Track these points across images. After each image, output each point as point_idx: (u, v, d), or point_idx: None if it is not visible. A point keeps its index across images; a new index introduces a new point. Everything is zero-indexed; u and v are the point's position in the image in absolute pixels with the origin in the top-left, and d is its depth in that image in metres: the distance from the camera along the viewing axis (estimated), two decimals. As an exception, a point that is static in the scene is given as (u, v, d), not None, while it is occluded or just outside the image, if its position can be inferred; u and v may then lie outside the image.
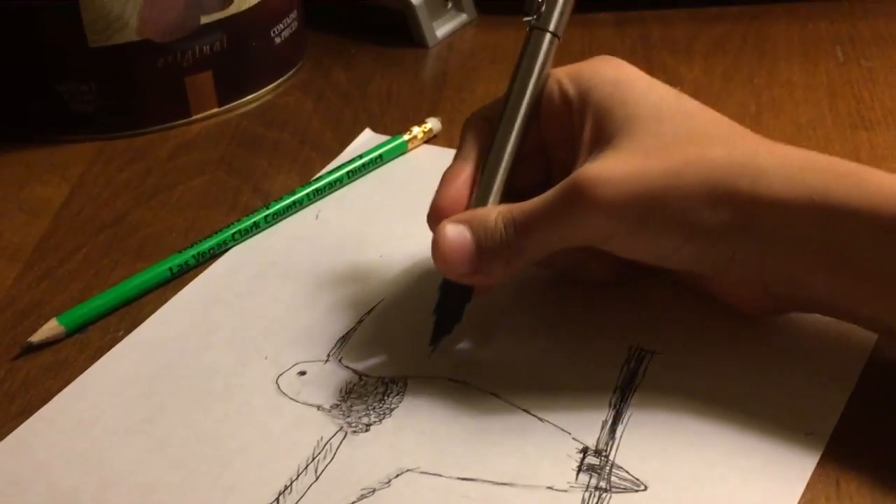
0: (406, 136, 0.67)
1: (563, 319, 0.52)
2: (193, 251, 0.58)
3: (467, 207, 0.50)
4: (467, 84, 0.76)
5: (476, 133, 0.51)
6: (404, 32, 0.81)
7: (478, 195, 0.50)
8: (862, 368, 0.47)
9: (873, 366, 0.48)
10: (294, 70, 0.78)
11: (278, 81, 0.77)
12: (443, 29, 0.82)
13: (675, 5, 0.82)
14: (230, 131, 0.72)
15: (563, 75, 0.51)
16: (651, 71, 0.51)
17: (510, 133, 0.50)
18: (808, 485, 0.43)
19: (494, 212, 0.48)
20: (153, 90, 0.71)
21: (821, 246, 0.44)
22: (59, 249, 0.60)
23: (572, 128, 0.50)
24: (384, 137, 0.67)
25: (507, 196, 0.50)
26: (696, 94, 0.50)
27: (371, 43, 0.82)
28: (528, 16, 0.51)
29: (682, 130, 0.47)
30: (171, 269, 0.57)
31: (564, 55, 0.53)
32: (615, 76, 0.50)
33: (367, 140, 0.68)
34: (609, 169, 0.46)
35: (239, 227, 0.60)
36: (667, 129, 0.47)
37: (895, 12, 0.80)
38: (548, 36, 0.51)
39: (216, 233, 0.59)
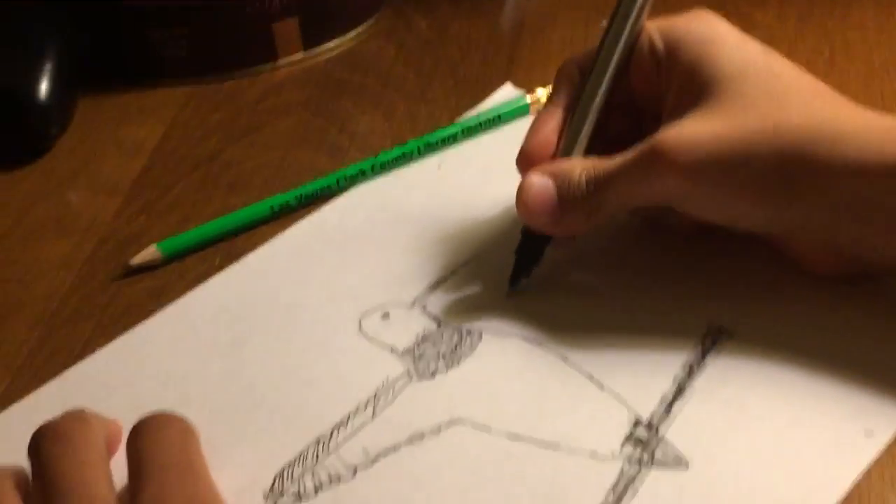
0: (528, 98, 0.67)
1: (647, 286, 0.52)
2: (297, 193, 0.60)
3: (554, 154, 0.51)
4: (545, 30, 0.77)
5: (568, 80, 0.53)
6: (483, -21, 0.83)
7: (565, 144, 0.51)
8: None
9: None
10: (375, 17, 0.80)
11: (360, 28, 0.79)
12: (521, -24, 0.83)
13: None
14: (315, 76, 0.74)
15: (655, 30, 0.51)
16: (725, 17, 0.51)
17: (599, 86, 0.51)
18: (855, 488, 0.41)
19: (579, 167, 0.49)
20: (241, 36, 0.73)
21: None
22: (155, 185, 0.63)
23: (659, 84, 0.51)
24: (521, 92, 0.68)
25: (598, 142, 0.51)
26: (769, 40, 0.50)
27: (450, -10, 0.84)
28: None
29: (764, 93, 0.47)
30: (272, 207, 0.59)
31: None
32: (705, 34, 0.50)
33: (507, 93, 0.68)
34: (687, 134, 0.47)
35: (344, 174, 0.61)
36: (750, 90, 0.47)
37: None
38: None
39: (322, 177, 0.61)
